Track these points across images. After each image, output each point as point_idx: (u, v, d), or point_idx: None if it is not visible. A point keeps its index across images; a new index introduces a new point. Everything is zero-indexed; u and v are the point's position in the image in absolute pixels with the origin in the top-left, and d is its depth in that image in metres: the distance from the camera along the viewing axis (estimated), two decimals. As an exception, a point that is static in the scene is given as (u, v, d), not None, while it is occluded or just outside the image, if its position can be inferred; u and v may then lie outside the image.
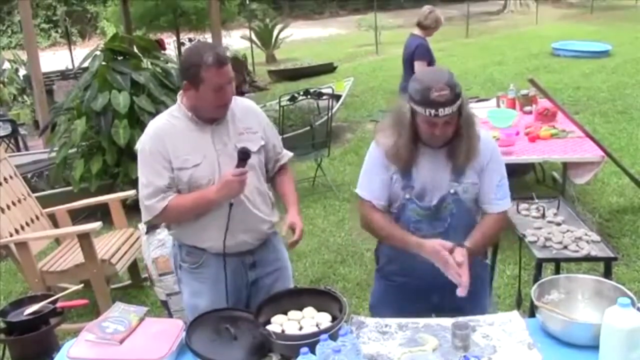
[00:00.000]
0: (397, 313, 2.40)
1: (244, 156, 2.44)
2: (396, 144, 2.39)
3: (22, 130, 8.38)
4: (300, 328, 2.22)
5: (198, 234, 2.59)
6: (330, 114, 6.62)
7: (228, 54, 2.55)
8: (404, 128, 2.36)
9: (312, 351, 1.96)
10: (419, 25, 6.16)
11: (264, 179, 2.71)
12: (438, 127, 2.31)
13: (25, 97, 10.50)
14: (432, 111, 2.24)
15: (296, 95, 6.60)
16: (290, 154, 2.87)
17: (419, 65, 5.87)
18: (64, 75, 10.10)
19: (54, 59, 12.97)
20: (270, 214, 2.71)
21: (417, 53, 5.98)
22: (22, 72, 10.85)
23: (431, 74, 2.39)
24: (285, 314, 2.30)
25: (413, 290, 2.52)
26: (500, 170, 2.50)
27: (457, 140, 2.38)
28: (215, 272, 2.62)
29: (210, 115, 2.51)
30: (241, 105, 2.64)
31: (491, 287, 4.06)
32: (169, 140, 2.49)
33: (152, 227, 3.51)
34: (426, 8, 6.32)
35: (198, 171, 2.49)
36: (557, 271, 3.41)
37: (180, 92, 2.56)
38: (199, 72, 2.38)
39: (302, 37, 18.22)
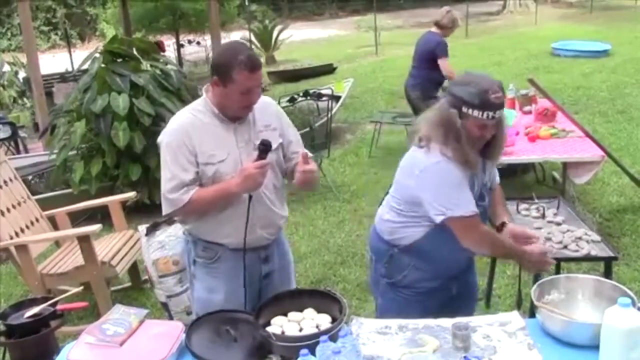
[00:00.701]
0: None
1: (264, 148, 2.47)
2: (461, 152, 2.39)
3: (21, 133, 8.37)
4: (300, 329, 2.22)
5: (218, 229, 2.62)
6: (329, 115, 6.63)
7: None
8: (459, 134, 2.38)
9: (312, 352, 1.95)
10: (437, 24, 6.38)
11: (281, 175, 2.75)
12: (488, 129, 2.38)
13: (25, 99, 10.50)
14: (491, 113, 2.31)
15: (296, 96, 6.61)
16: (310, 154, 2.84)
17: (443, 63, 6.16)
18: (63, 77, 10.10)
19: (54, 61, 12.98)
20: (283, 209, 2.77)
21: (439, 50, 6.20)
22: (22, 74, 10.84)
23: (480, 77, 2.39)
24: (286, 315, 2.30)
25: (439, 291, 2.62)
26: None
27: (493, 140, 2.47)
28: (231, 266, 2.65)
29: (234, 114, 2.55)
30: (261, 102, 2.64)
31: (490, 290, 4.09)
32: (195, 135, 2.51)
33: (152, 229, 3.52)
34: (444, 8, 6.62)
35: (223, 167, 2.53)
36: (557, 271, 3.41)
37: (207, 85, 2.58)
38: (231, 72, 2.41)
39: (301, 39, 18.21)
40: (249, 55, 2.43)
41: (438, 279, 2.62)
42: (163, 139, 2.57)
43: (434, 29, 6.43)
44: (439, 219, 2.40)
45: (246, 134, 2.58)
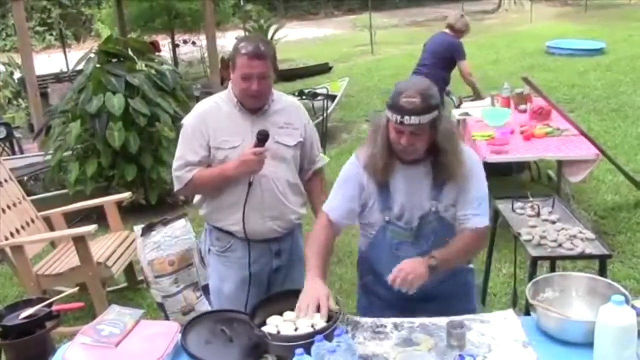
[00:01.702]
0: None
1: (262, 137, 2.58)
2: (373, 153, 2.32)
3: (17, 134, 8.34)
4: (296, 329, 2.22)
5: (226, 216, 2.75)
6: (325, 115, 6.63)
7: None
8: (380, 135, 2.30)
9: (308, 352, 1.96)
10: (452, 28, 6.49)
11: (297, 173, 2.85)
12: (404, 136, 2.21)
13: (20, 100, 10.46)
14: (398, 117, 2.17)
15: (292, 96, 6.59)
16: (327, 159, 3.04)
17: (464, 65, 6.39)
18: (58, 78, 10.07)
19: (49, 61, 12.94)
20: (299, 206, 2.85)
21: (459, 53, 6.38)
22: (17, 75, 10.81)
23: (412, 81, 2.34)
24: (281, 315, 2.30)
25: (397, 303, 2.43)
26: (480, 187, 2.37)
27: (439, 156, 2.28)
28: (241, 256, 2.79)
29: (243, 102, 2.67)
30: (287, 101, 2.84)
31: (486, 289, 4.09)
32: (211, 121, 2.69)
33: (147, 230, 3.50)
34: (457, 13, 6.89)
35: (234, 153, 2.66)
36: (553, 269, 3.43)
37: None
38: (236, 57, 2.59)
39: (297, 38, 18.20)
40: (254, 45, 2.57)
41: (390, 289, 2.32)
42: (184, 122, 2.79)
43: (447, 31, 6.52)
44: None
45: (263, 127, 2.65)
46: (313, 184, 2.96)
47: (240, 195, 2.68)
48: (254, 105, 2.69)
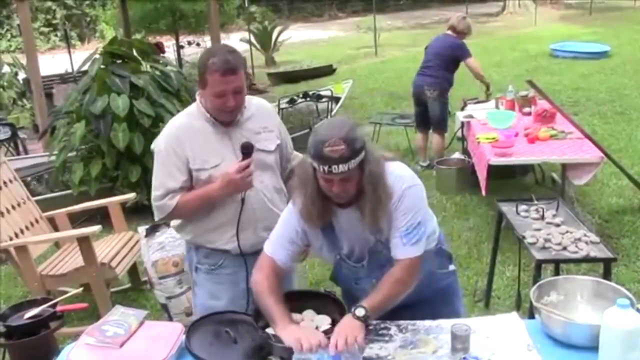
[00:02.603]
0: None
1: (247, 150, 2.46)
2: (305, 202, 2.21)
3: (21, 134, 8.37)
4: (300, 331, 2.22)
5: (218, 237, 2.61)
6: (329, 116, 6.63)
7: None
8: (309, 184, 2.18)
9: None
10: (454, 29, 6.53)
11: (280, 177, 2.75)
12: (334, 184, 2.11)
13: (24, 100, 10.49)
14: (326, 167, 2.05)
15: (295, 97, 6.62)
16: (300, 155, 2.83)
17: (472, 62, 6.50)
18: (63, 78, 10.10)
19: (53, 62, 12.97)
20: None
21: (465, 52, 6.45)
22: (22, 75, 10.84)
23: (330, 126, 2.14)
24: (285, 316, 2.30)
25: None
26: (410, 216, 2.21)
27: (361, 199, 2.17)
28: (234, 272, 2.65)
29: (217, 117, 2.53)
30: (257, 104, 2.67)
31: (489, 292, 4.08)
32: (185, 141, 2.51)
33: (151, 230, 3.51)
34: (459, 15, 6.97)
35: (217, 171, 2.51)
36: (557, 272, 3.42)
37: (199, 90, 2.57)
38: (205, 74, 2.42)
39: (301, 40, 18.22)
40: (224, 59, 2.38)
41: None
42: (156, 144, 2.59)
43: (449, 32, 6.55)
44: None
45: (242, 138, 2.53)
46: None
47: (231, 214, 2.55)
48: (230, 118, 2.53)
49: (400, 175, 2.25)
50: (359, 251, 2.31)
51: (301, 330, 2.12)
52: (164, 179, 2.52)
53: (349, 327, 2.08)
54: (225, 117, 2.53)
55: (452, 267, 2.59)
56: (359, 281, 2.36)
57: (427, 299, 2.42)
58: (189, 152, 2.50)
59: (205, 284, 2.72)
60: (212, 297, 2.69)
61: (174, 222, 2.74)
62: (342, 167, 2.05)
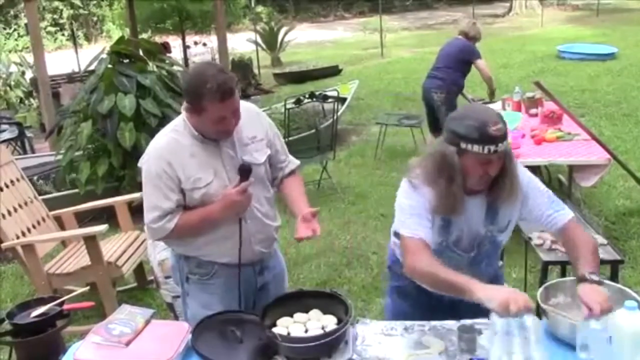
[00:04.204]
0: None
1: (245, 173, 2.40)
2: (446, 192, 2.20)
3: (28, 133, 8.41)
4: (306, 330, 2.22)
5: (212, 251, 2.55)
6: (335, 117, 6.63)
7: (232, 59, 2.44)
8: (455, 173, 2.17)
9: (315, 354, 1.96)
10: (465, 35, 6.62)
11: (270, 186, 2.67)
12: (493, 165, 2.16)
13: (31, 100, 10.53)
14: (492, 147, 2.10)
15: (301, 98, 6.60)
16: (297, 162, 2.79)
17: (482, 64, 6.56)
18: (70, 78, 10.13)
19: (60, 60, 13.02)
20: (276, 219, 2.70)
21: (475, 54, 6.53)
22: (29, 75, 10.88)
23: (478, 110, 2.24)
24: (291, 316, 2.30)
25: (435, 306, 2.43)
26: (541, 188, 2.36)
27: (500, 177, 2.23)
28: (227, 281, 2.59)
29: (213, 138, 2.44)
30: (245, 112, 2.47)
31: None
32: (175, 160, 2.40)
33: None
34: (469, 20, 7.12)
35: (211, 189, 2.43)
36: (563, 274, 3.41)
37: (184, 105, 2.46)
38: (201, 100, 2.29)
39: (307, 40, 18.22)
40: (219, 84, 2.25)
41: (433, 298, 2.41)
42: (142, 164, 2.47)
43: (460, 37, 6.63)
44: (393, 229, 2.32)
45: (231, 150, 2.47)
46: (289, 187, 2.71)
47: (229, 229, 2.48)
48: (224, 138, 2.44)
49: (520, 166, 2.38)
50: (466, 242, 2.34)
51: (507, 291, 2.06)
52: (158, 201, 2.42)
53: (596, 292, 2.05)
54: (222, 137, 2.43)
55: (500, 262, 2.66)
56: (457, 270, 2.26)
57: None
58: (180, 173, 2.40)
59: (197, 294, 2.65)
60: (204, 306, 2.58)
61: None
62: (504, 145, 2.14)
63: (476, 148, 2.12)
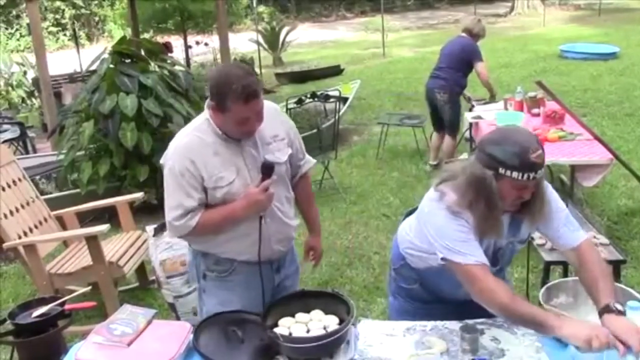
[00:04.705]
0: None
1: (267, 171, 2.43)
2: (488, 216, 2.16)
3: (30, 133, 8.41)
4: (308, 331, 2.22)
5: (231, 248, 2.57)
6: (337, 117, 6.63)
7: (235, 59, 2.45)
8: (496, 197, 2.13)
9: (319, 354, 1.96)
10: (469, 32, 6.54)
11: (290, 186, 2.71)
12: (528, 190, 2.14)
13: (33, 99, 10.55)
14: (532, 174, 2.07)
15: (303, 97, 6.61)
16: (313, 161, 2.86)
17: (481, 67, 6.44)
18: (72, 78, 10.14)
19: (62, 60, 13.03)
20: (294, 218, 2.73)
21: (477, 55, 6.44)
22: (31, 75, 10.90)
23: (519, 134, 2.15)
24: (293, 316, 2.30)
25: (442, 309, 2.45)
26: (560, 208, 2.32)
27: (532, 200, 2.19)
28: (246, 279, 2.60)
29: (236, 137, 2.46)
30: (266, 111, 2.49)
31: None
32: (198, 159, 2.42)
33: (159, 230, 3.52)
34: (474, 17, 7.00)
35: (233, 188, 2.45)
36: (565, 274, 3.40)
37: (208, 101, 2.46)
38: (225, 100, 2.32)
39: (308, 40, 18.22)
40: (244, 85, 2.28)
41: (441, 302, 2.51)
42: (165, 162, 2.48)
43: (464, 35, 6.56)
44: (440, 256, 2.25)
45: (253, 149, 2.50)
46: (300, 189, 2.80)
47: (248, 228, 2.50)
48: (247, 138, 2.47)
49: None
50: (490, 255, 2.29)
51: (589, 327, 2.02)
52: (181, 199, 2.43)
53: (627, 327, 1.98)
54: (245, 137, 2.46)
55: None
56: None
57: None
58: (203, 171, 2.42)
59: (215, 292, 2.64)
60: (222, 303, 2.57)
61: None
62: (542, 171, 2.11)
63: (515, 174, 2.07)
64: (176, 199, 2.45)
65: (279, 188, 2.55)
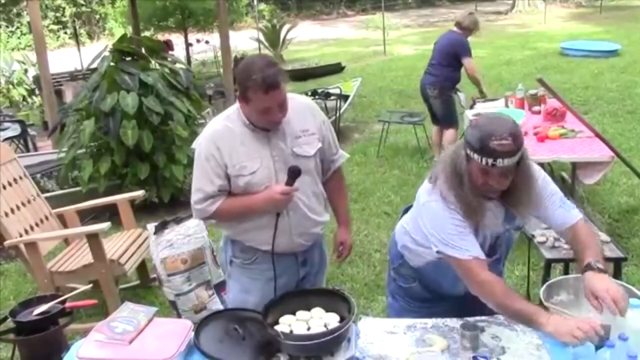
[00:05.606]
0: None
1: (293, 175, 2.47)
2: (462, 197, 2.21)
3: (31, 131, 8.41)
4: (309, 328, 2.22)
5: (254, 236, 2.64)
6: (338, 115, 6.63)
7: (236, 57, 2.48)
8: (463, 176, 2.20)
9: (319, 352, 1.95)
10: (459, 25, 6.52)
11: (320, 179, 2.73)
12: (493, 177, 2.16)
13: (34, 98, 10.56)
14: (490, 160, 2.09)
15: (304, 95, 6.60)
16: (346, 155, 2.92)
17: (468, 62, 6.41)
18: (72, 76, 10.14)
19: (62, 58, 13.03)
20: (322, 214, 2.76)
21: (464, 50, 6.42)
22: (31, 73, 10.90)
23: (495, 121, 2.17)
24: (294, 314, 2.30)
25: (441, 309, 2.48)
26: (554, 191, 2.37)
27: (514, 191, 2.23)
28: (267, 268, 2.66)
29: (263, 127, 2.51)
30: (297, 105, 2.59)
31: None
32: (225, 146, 2.50)
33: (160, 228, 3.51)
34: (465, 11, 6.92)
35: (255, 178, 2.51)
36: (566, 272, 3.40)
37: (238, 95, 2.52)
38: (247, 90, 2.39)
39: (309, 38, 18.21)
40: (263, 76, 2.33)
41: (440, 299, 2.55)
42: (196, 147, 2.59)
43: (455, 29, 6.55)
44: (434, 249, 2.29)
45: (281, 142, 2.54)
46: (333, 183, 2.86)
47: (266, 219, 2.56)
48: (271, 128, 2.52)
49: (535, 167, 2.38)
50: (482, 238, 2.33)
51: (573, 322, 2.06)
52: (203, 183, 2.54)
53: (605, 284, 2.07)
54: (269, 127, 2.51)
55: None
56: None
57: None
58: (227, 159, 2.50)
59: (239, 278, 2.76)
60: (244, 290, 2.72)
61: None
62: (507, 162, 2.10)
63: (476, 157, 2.13)
64: (199, 183, 2.56)
65: (305, 182, 2.59)
